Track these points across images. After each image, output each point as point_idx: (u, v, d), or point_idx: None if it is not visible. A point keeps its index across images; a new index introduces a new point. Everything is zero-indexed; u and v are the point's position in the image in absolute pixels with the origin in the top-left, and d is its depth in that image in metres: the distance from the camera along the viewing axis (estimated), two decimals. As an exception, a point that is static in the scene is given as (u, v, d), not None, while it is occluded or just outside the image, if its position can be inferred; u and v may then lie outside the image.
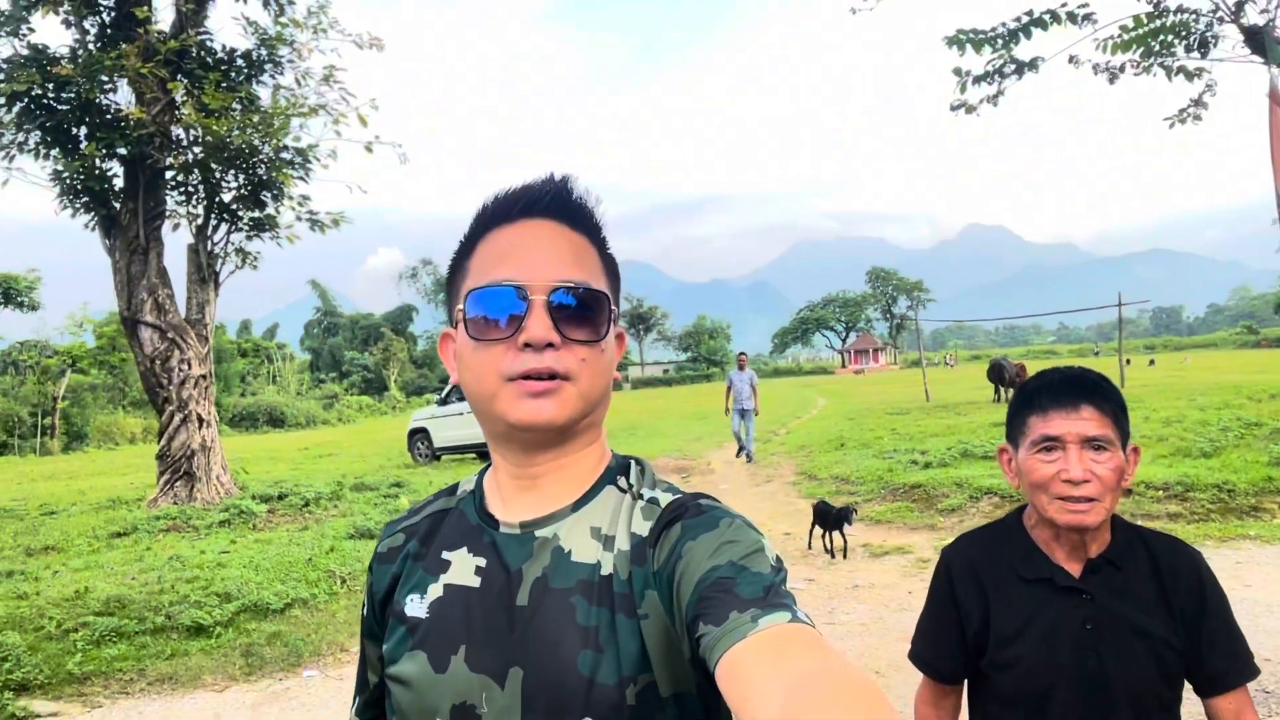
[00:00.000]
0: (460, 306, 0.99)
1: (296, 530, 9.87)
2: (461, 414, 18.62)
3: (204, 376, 12.52)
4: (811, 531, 8.91)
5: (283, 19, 13.16)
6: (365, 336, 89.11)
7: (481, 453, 18.27)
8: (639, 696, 0.89)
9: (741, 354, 17.16)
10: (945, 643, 1.75)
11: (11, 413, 43.47)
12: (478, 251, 1.01)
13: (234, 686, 5.78)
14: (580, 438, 1.02)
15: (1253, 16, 3.34)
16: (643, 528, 0.97)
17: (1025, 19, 3.51)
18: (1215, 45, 3.66)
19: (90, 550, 9.37)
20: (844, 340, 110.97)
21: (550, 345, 0.94)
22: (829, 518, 8.54)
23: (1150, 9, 3.45)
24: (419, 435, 19.66)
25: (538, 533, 0.99)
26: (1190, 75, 3.60)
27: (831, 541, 8.71)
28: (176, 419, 12.20)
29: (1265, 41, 3.23)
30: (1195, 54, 3.54)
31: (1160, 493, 9.38)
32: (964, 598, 1.72)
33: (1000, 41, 3.57)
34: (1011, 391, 24.10)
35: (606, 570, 0.95)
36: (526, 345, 0.93)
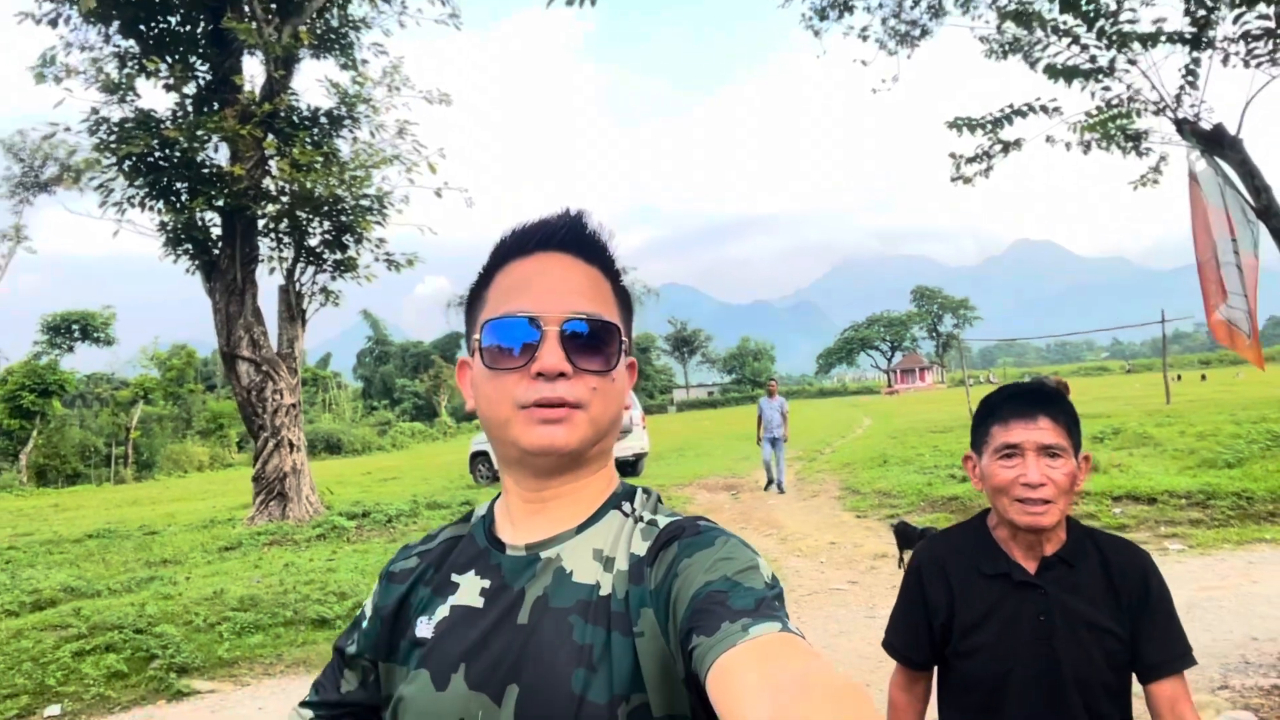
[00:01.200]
0: (476, 336, 1.03)
1: (386, 542, 10.95)
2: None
3: (294, 405, 13.74)
4: (901, 552, 9.08)
5: (359, 79, 14.47)
6: (415, 364, 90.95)
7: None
8: (630, 716, 0.90)
9: (771, 380, 16.59)
10: (915, 633, 1.90)
11: (89, 443, 45.58)
12: (495, 283, 1.05)
13: (358, 668, 6.79)
14: (590, 464, 1.04)
15: (1185, 111, 4.19)
16: (641, 547, 0.99)
17: (1008, 109, 4.42)
18: (1155, 132, 4.53)
19: (206, 562, 10.53)
20: (889, 360, 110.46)
21: (562, 375, 0.97)
22: (911, 538, 8.84)
23: (1102, 105, 4.33)
24: (480, 458, 20.75)
25: (542, 554, 1.01)
26: (1141, 153, 4.45)
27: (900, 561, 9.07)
28: (270, 444, 13.42)
29: (1183, 133, 4.07)
30: (1142, 139, 4.41)
31: (1183, 501, 10.02)
32: (932, 592, 1.86)
33: (989, 126, 4.50)
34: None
35: (605, 590, 0.97)
36: (539, 374, 0.96)
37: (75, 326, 44.30)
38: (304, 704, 1.15)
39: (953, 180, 4.68)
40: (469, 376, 1.06)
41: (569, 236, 1.03)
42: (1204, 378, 51.54)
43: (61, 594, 8.65)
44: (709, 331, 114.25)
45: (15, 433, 42.50)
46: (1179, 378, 42.17)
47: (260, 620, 7.39)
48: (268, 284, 14.59)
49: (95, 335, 44.81)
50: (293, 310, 14.10)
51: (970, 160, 4.59)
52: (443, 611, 1.02)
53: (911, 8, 5.20)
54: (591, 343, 0.99)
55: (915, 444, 19.81)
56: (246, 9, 13.41)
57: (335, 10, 14.64)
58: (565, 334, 0.97)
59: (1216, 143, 4.02)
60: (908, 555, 9.16)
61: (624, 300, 1.09)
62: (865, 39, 5.20)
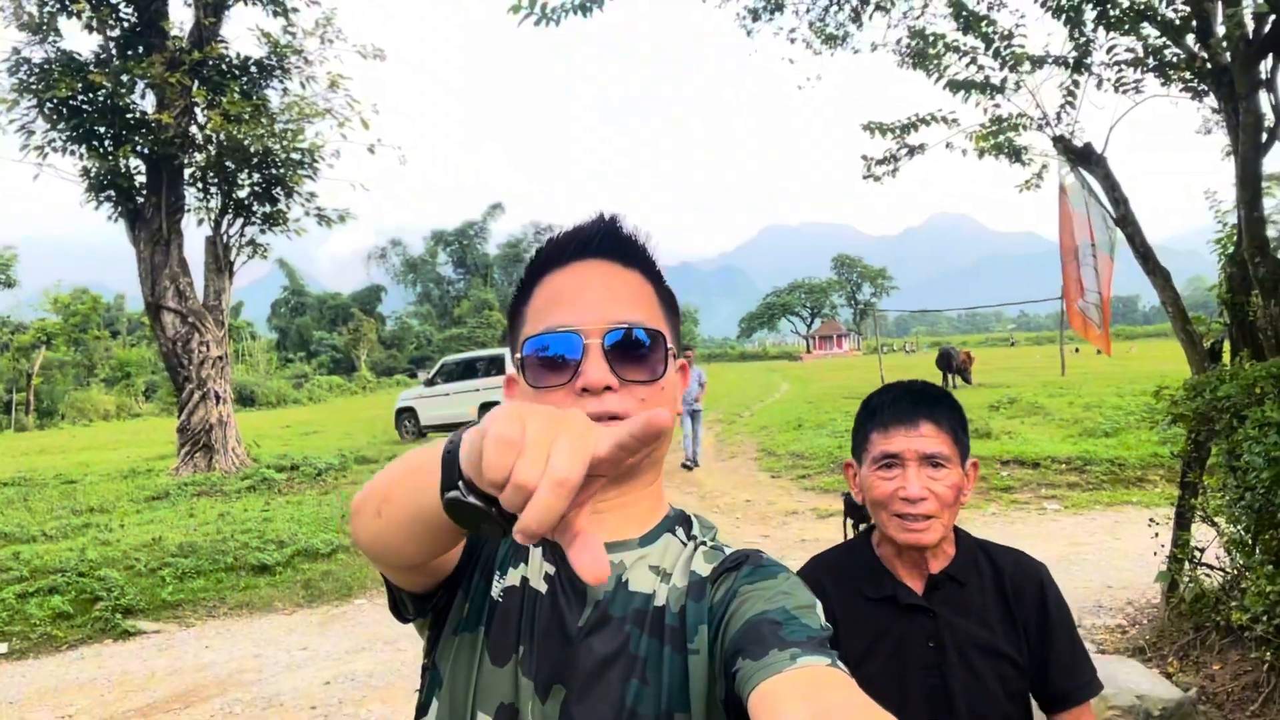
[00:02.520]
0: (518, 355, 1.00)
1: (319, 494, 11.22)
2: (447, 394, 19.99)
3: (220, 358, 13.74)
4: (845, 523, 9.48)
5: (292, 28, 14.31)
6: (334, 316, 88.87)
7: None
8: None
9: (688, 349, 14.76)
10: None
11: (-13, 388, 43.75)
12: (533, 297, 1.02)
13: (300, 611, 7.17)
14: (643, 475, 1.02)
15: (1061, 128, 4.82)
16: (704, 568, 0.97)
17: (914, 118, 4.99)
18: (1034, 146, 5.18)
19: (135, 511, 10.63)
20: (809, 326, 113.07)
21: (609, 388, 0.94)
22: (859, 510, 9.38)
23: (988, 121, 4.95)
24: (407, 414, 20.93)
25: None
26: (1024, 163, 5.10)
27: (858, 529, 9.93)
28: (196, 396, 13.42)
29: (1058, 148, 4.71)
30: (1024, 153, 5.06)
31: (1063, 465, 11.04)
32: None
33: (897, 132, 5.07)
34: (959, 378, 25.94)
35: (659, 602, 0.95)
36: (584, 390, 0.94)
37: (-29, 267, 42.16)
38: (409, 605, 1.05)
39: (864, 178, 5.23)
40: (516, 395, 1.03)
41: (605, 242, 1.01)
42: (1099, 352, 54.41)
43: (-5, 539, 8.73)
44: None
45: (-95, 376, 40.55)
46: (1077, 350, 44.53)
47: (201, 566, 7.66)
48: (194, 235, 14.46)
49: (-4, 277, 42.80)
50: (220, 262, 14.02)
51: (879, 162, 5.17)
52: (513, 578, 1.00)
53: (836, 13, 5.72)
54: (636, 352, 0.96)
55: (829, 409, 20.76)
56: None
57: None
58: (608, 346, 0.95)
59: (1085, 158, 4.66)
60: (858, 528, 9.55)
61: (667, 302, 1.06)
62: (793, 41, 5.73)
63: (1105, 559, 7.88)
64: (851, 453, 1.73)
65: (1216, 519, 4.09)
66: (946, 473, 1.57)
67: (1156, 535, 4.62)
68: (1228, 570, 4.17)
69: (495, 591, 1.00)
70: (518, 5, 3.66)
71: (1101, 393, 18.95)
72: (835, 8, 5.63)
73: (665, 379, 0.99)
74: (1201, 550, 4.50)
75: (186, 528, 8.83)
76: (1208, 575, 4.45)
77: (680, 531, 1.04)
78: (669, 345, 1.00)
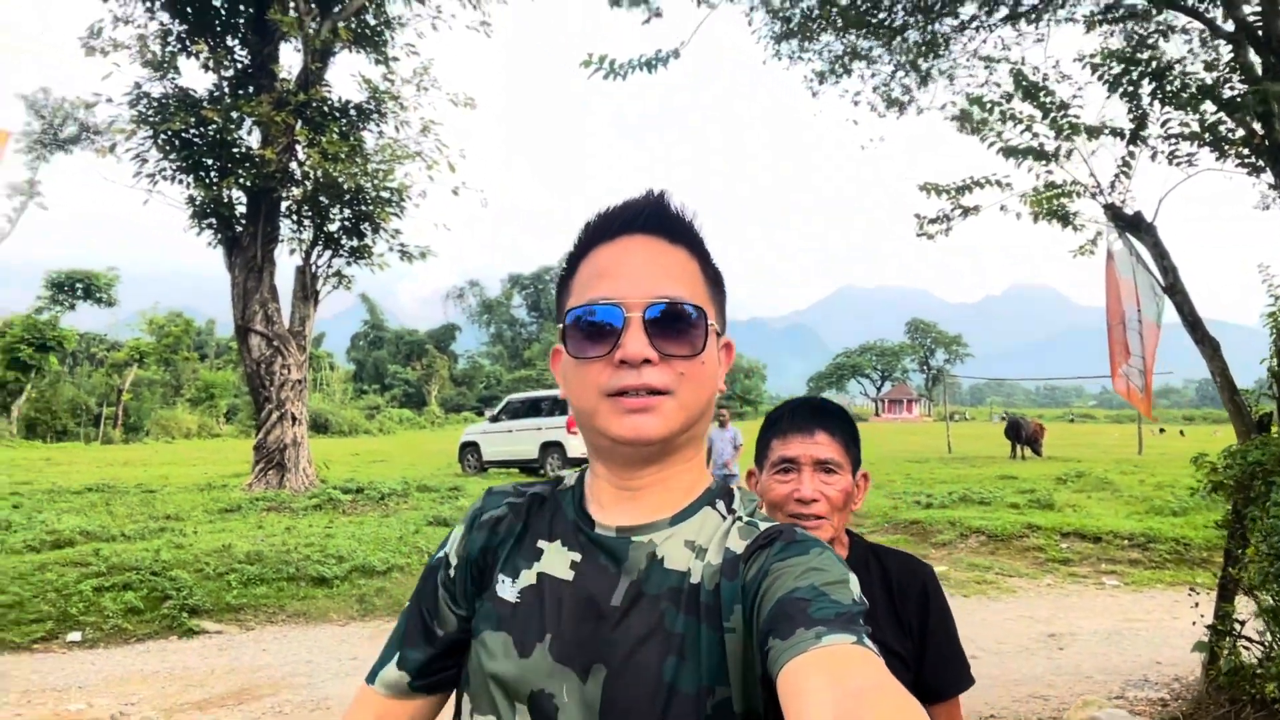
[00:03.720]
0: (561, 325, 1.02)
1: (380, 517, 11.61)
2: (510, 431, 20.41)
3: (299, 381, 14.39)
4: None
5: (391, 76, 15.17)
6: (409, 352, 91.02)
7: (527, 468, 19.99)
8: (716, 708, 0.90)
9: (723, 409, 13.50)
10: None
11: (80, 401, 45.97)
12: (580, 270, 1.04)
13: (352, 623, 7.47)
14: (681, 451, 1.03)
15: (1113, 196, 4.90)
16: (738, 545, 0.97)
17: (969, 180, 5.14)
18: (1085, 212, 5.26)
19: (208, 520, 11.16)
20: (879, 389, 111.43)
21: (647, 361, 0.95)
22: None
23: (1042, 186, 5.06)
24: (470, 448, 21.41)
25: (634, 538, 1.00)
26: (1076, 228, 5.18)
27: None
28: (274, 416, 14.06)
29: (1109, 216, 4.79)
30: (1074, 218, 5.14)
31: (1125, 542, 10.75)
32: None
33: (952, 192, 5.21)
34: (1029, 449, 25.33)
35: (695, 579, 0.96)
36: (623, 362, 0.95)
37: (79, 285, 44.74)
38: (399, 663, 1.10)
39: (917, 236, 5.40)
40: (560, 365, 1.06)
41: (652, 218, 1.02)
42: (1182, 433, 52.43)
43: (78, 536, 9.29)
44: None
45: (9, 385, 42.92)
46: (1161, 431, 42.99)
47: (265, 574, 8.04)
48: (285, 263, 15.25)
49: (97, 295, 45.24)
50: (307, 291, 14.77)
51: (932, 221, 5.32)
52: (529, 577, 1.02)
53: (901, 78, 5.94)
54: (677, 327, 0.98)
55: (890, 471, 20.54)
56: (290, 2, 14.10)
57: (373, 8, 15.33)
58: (648, 320, 0.96)
59: (1135, 227, 4.73)
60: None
61: (713, 280, 1.07)
62: (856, 104, 5.96)
63: (1159, 636, 7.67)
64: (755, 461, 1.83)
65: (1256, 590, 4.06)
66: (838, 478, 1.69)
67: (1197, 605, 4.58)
68: (1265, 643, 4.12)
69: (510, 594, 1.02)
70: (588, 60, 3.99)
71: (1176, 473, 18.32)
72: (901, 73, 5.85)
73: (705, 354, 0.99)
74: (1242, 623, 4.44)
75: (255, 538, 9.26)
76: (1246, 648, 4.39)
77: (720, 505, 1.05)
78: (710, 321, 1.01)
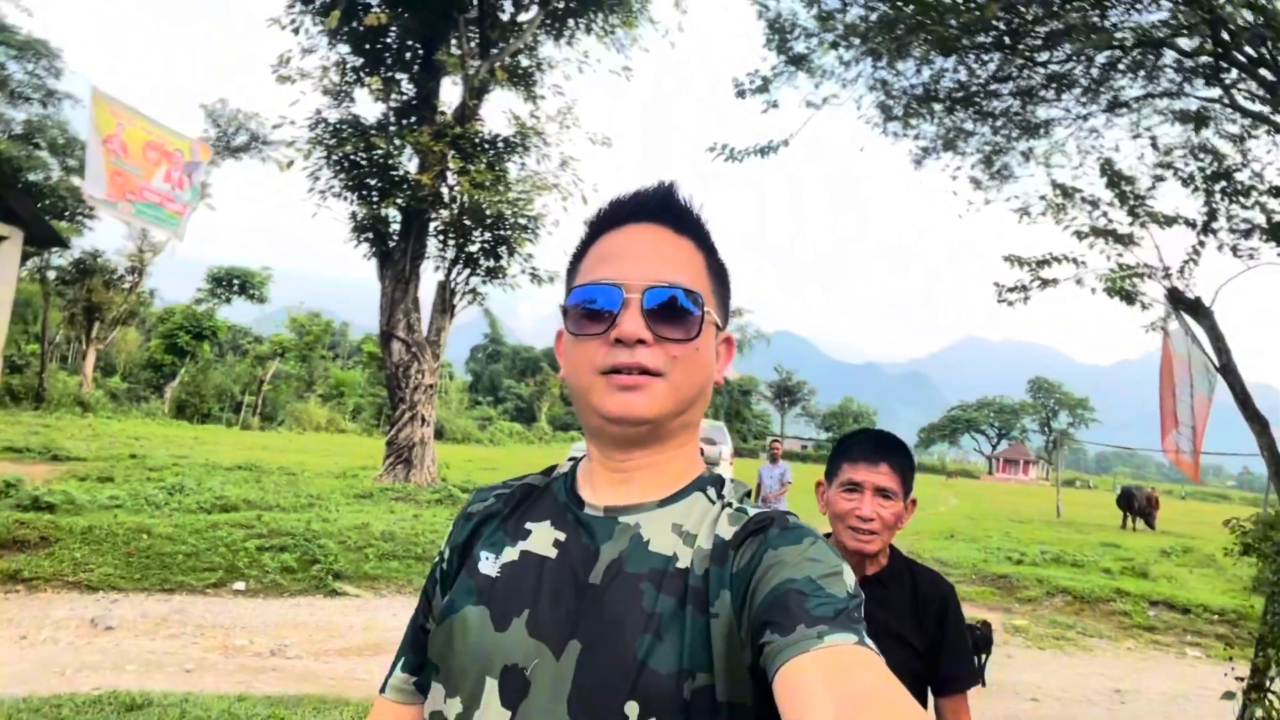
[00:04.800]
0: (564, 304, 1.06)
1: (494, 516, 12.73)
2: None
3: (431, 386, 15.76)
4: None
5: (537, 113, 16.54)
6: (524, 368, 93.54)
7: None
8: (695, 694, 0.89)
9: (775, 442, 13.06)
10: None
11: (226, 388, 49.77)
12: (588, 254, 1.07)
13: (469, 602, 8.48)
14: (673, 437, 1.05)
15: (1176, 279, 5.36)
16: (727, 531, 0.98)
17: (1049, 255, 5.70)
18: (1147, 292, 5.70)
19: (346, 502, 12.49)
20: (994, 446, 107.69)
21: (641, 342, 0.98)
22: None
23: (1115, 266, 5.55)
24: (577, 464, 22.48)
25: (620, 518, 1.02)
26: (1145, 306, 5.63)
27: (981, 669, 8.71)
28: (406, 416, 15.45)
29: (1169, 298, 5.26)
30: (1138, 298, 5.59)
31: (1215, 616, 10.78)
32: None
33: (1033, 265, 5.78)
34: (1142, 520, 24.54)
35: (683, 563, 0.96)
36: (618, 341, 0.98)
37: (236, 281, 48.65)
38: (404, 667, 1.15)
39: (998, 301, 5.98)
40: (563, 346, 1.08)
41: (659, 207, 1.06)
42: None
43: (242, 503, 10.70)
44: (814, 386, 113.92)
45: (165, 368, 46.99)
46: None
47: (396, 551, 9.16)
48: (428, 278, 16.71)
49: (251, 292, 49.18)
50: (445, 304, 16.19)
51: (1010, 290, 5.89)
52: (511, 554, 1.03)
53: (998, 156, 6.56)
54: (673, 311, 1.00)
55: (989, 528, 20.46)
56: (455, 45, 15.64)
57: (528, 51, 16.77)
58: (646, 301, 0.99)
59: (1193, 310, 5.20)
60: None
61: (717, 273, 1.09)
62: (955, 179, 6.60)
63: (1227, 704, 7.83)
64: (825, 476, 2.21)
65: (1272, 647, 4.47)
66: (892, 503, 2.06)
67: (1230, 658, 4.98)
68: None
69: (491, 569, 1.02)
70: (713, 146, 4.83)
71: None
72: (999, 154, 6.49)
73: (700, 341, 1.02)
74: (1272, 679, 4.83)
75: (388, 521, 10.44)
76: (1271, 702, 4.77)
77: (711, 491, 1.06)
78: (708, 310, 1.03)
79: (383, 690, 1.16)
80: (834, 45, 5.23)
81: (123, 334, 47.68)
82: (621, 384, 0.98)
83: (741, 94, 5.27)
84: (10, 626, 6.97)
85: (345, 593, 8.34)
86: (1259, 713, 5.08)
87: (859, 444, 2.13)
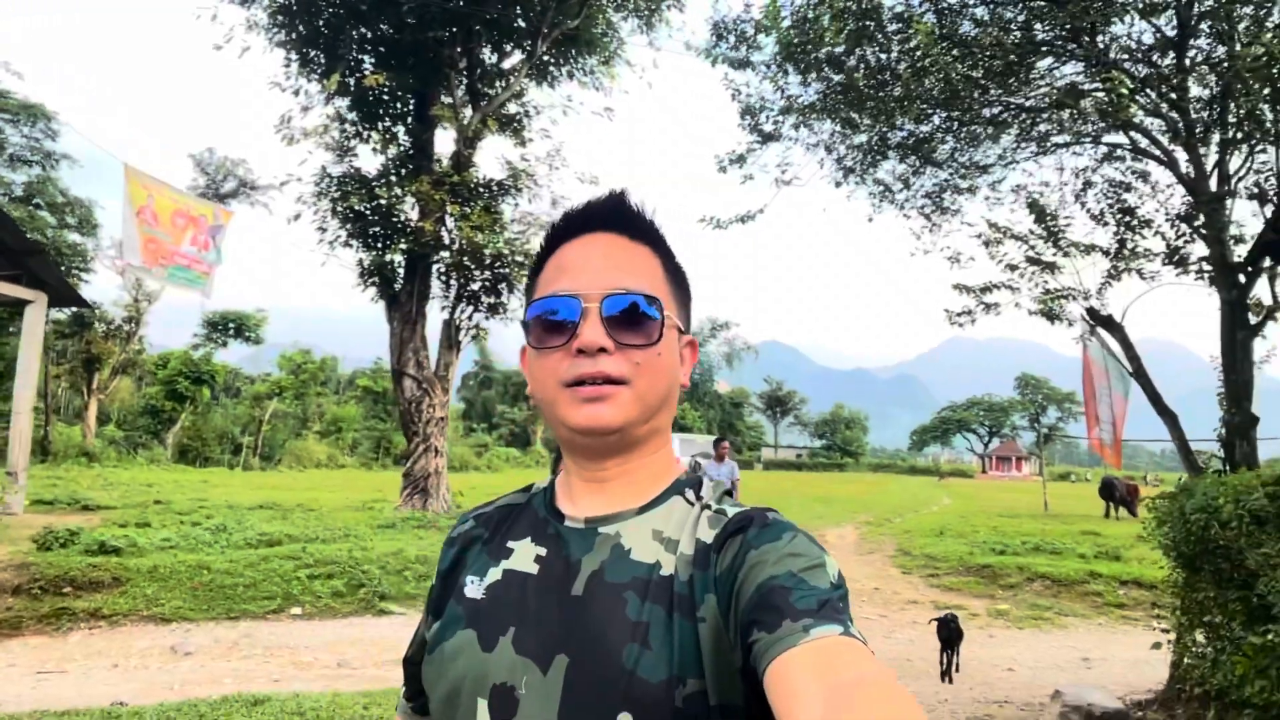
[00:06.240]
0: (525, 320, 1.05)
1: (512, 537, 13.66)
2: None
3: (443, 419, 16.70)
4: (941, 655, 7.67)
5: (527, 157, 17.61)
6: (516, 393, 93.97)
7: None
8: (687, 700, 0.89)
9: (721, 441, 12.47)
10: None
11: (227, 430, 50.45)
12: (546, 267, 1.07)
13: (502, 614, 9.44)
14: (645, 443, 1.05)
15: (1093, 301, 6.39)
16: (708, 534, 0.98)
17: (989, 284, 6.73)
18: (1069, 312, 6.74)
19: (373, 533, 13.39)
20: (985, 445, 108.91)
21: (603, 350, 0.98)
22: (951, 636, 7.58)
23: (1041, 292, 6.59)
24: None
25: (601, 529, 1.02)
26: (1068, 324, 6.67)
27: (953, 661, 7.57)
28: (421, 448, 16.39)
29: (1086, 317, 6.30)
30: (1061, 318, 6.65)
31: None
32: None
33: (976, 292, 6.81)
34: (1124, 509, 25.59)
35: (667, 570, 0.96)
36: (580, 351, 0.98)
37: (231, 324, 49.44)
38: (405, 694, 1.23)
39: (950, 323, 7.01)
40: (527, 362, 1.07)
41: (611, 215, 1.06)
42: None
43: (284, 538, 11.60)
44: (805, 394, 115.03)
45: (167, 414, 47.67)
46: None
47: (429, 572, 10.08)
48: (433, 316, 17.68)
49: (247, 334, 50.03)
50: (451, 340, 17.16)
51: (959, 314, 6.92)
52: (495, 574, 1.03)
53: (940, 197, 7.63)
54: (634, 317, 1.00)
55: (978, 524, 21.46)
56: (445, 99, 16.71)
57: (515, 98, 17.85)
58: (605, 310, 0.99)
59: (1108, 325, 6.22)
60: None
61: (675, 276, 1.10)
62: (908, 218, 7.63)
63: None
64: None
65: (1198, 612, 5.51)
66: None
67: (1169, 632, 6.00)
68: (1206, 652, 5.56)
69: (476, 593, 1.03)
70: (702, 218, 5.83)
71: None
72: (940, 193, 7.57)
73: (662, 345, 1.02)
74: (1191, 631, 5.84)
75: (418, 546, 11.37)
76: (1187, 645, 5.79)
77: (689, 493, 1.06)
78: (667, 313, 1.03)
79: (399, 709, 1.26)
80: (796, 125, 6.27)
81: (117, 383, 48.33)
82: (586, 395, 0.99)
83: (723, 169, 6.31)
84: (101, 658, 7.88)
85: (392, 611, 9.27)
86: (1185, 659, 6.11)
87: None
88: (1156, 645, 6.15)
